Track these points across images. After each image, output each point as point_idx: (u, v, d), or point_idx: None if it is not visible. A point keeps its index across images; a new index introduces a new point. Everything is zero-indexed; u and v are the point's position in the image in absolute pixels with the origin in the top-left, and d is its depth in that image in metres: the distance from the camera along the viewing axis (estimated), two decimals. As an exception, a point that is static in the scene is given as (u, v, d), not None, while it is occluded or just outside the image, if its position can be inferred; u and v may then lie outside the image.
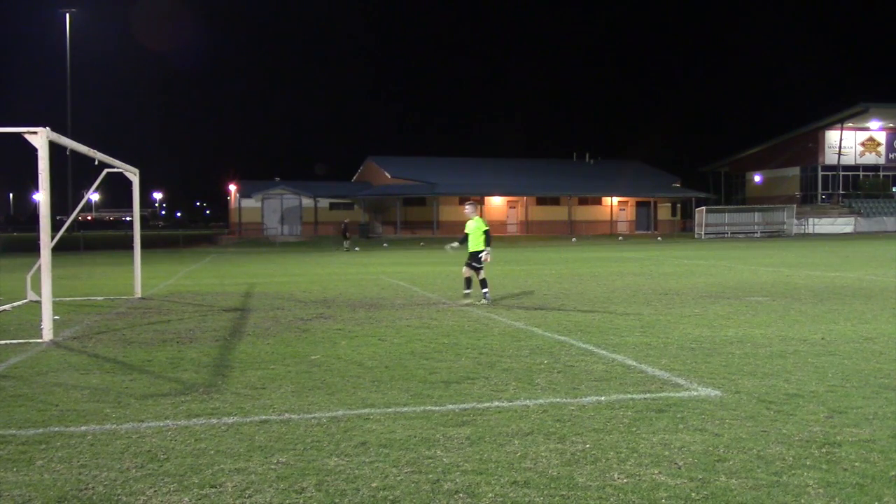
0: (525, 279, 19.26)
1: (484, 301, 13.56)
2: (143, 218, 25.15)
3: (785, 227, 58.39)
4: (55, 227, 13.12)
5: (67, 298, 15.51)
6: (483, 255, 13.69)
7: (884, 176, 68.08)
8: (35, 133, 10.26)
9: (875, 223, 60.75)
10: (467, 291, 13.86)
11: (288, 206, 67.16)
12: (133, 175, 16.40)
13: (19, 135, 10.31)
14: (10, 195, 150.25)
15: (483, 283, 13.76)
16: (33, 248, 16.90)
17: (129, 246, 20.58)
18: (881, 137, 67.75)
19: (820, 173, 66.75)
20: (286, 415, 6.05)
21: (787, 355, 8.29)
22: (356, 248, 41.32)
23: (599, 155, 79.00)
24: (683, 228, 68.99)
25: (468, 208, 14.20)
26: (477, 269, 13.78)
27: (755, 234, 57.65)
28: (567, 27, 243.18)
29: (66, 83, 62.90)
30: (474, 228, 13.86)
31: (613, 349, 8.80)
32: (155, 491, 4.43)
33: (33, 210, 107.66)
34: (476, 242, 13.76)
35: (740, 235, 57.17)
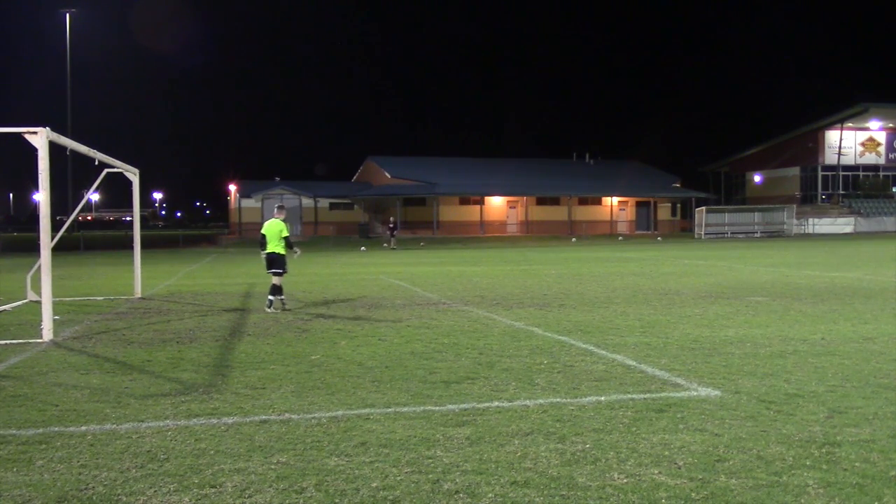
0: (525, 279, 19.26)
1: (267, 309, 12.85)
2: (143, 218, 25.15)
3: (785, 227, 58.37)
4: (55, 227, 13.11)
5: (67, 298, 15.50)
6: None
7: (884, 176, 68.06)
8: (35, 133, 10.26)
9: (875, 223, 60.72)
10: (281, 298, 13.13)
11: (288, 206, 66.94)
12: (133, 175, 16.40)
13: (19, 135, 10.31)
14: (10, 195, 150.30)
15: (273, 290, 13.07)
16: (33, 248, 16.90)
17: (129, 246, 20.58)
18: (881, 137, 67.72)
19: (820, 173, 66.72)
20: (286, 415, 6.05)
21: (787, 355, 8.29)
22: (392, 246, 41.86)
23: (599, 155, 79.04)
24: (683, 229, 68.99)
25: (276, 211, 13.66)
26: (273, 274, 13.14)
27: (755, 234, 57.63)
28: (567, 27, 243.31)
29: (66, 83, 62.91)
30: None
31: (613, 349, 8.80)
32: (155, 491, 4.43)
33: (33, 210, 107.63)
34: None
35: (740, 235, 57.15)
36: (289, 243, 13.32)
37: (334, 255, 35.47)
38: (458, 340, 9.56)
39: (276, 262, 13.11)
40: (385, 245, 41.64)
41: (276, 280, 13.11)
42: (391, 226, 43.93)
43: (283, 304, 13.19)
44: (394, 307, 13.35)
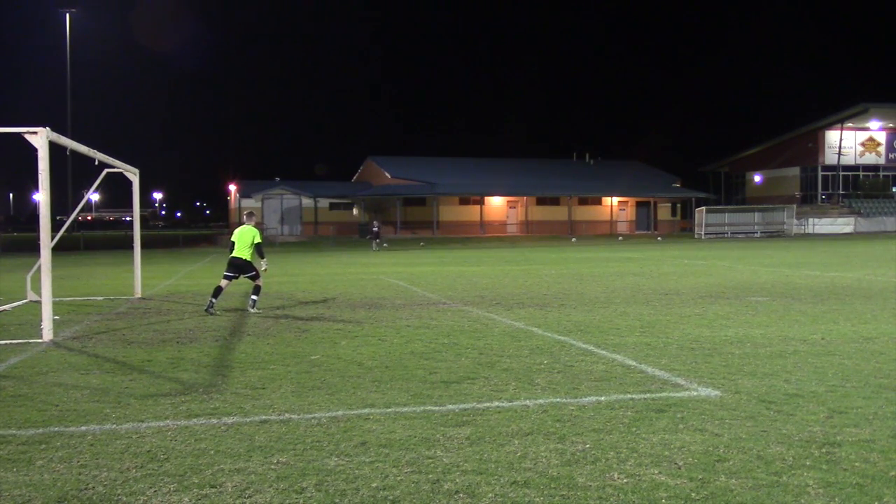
0: (525, 279, 19.26)
1: (250, 309, 12.87)
2: (143, 218, 25.14)
3: (785, 227, 58.36)
4: (55, 227, 13.12)
5: (67, 298, 15.50)
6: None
7: (884, 176, 68.06)
8: (35, 133, 10.26)
9: (875, 223, 60.71)
10: (212, 301, 12.88)
11: (288, 206, 67.16)
12: (133, 175, 16.40)
13: (19, 135, 10.32)
14: (10, 195, 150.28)
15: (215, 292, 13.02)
16: (33, 248, 16.91)
17: (129, 246, 20.58)
18: (881, 137, 67.70)
19: (820, 173, 66.71)
20: (286, 415, 6.05)
21: (787, 355, 8.29)
22: (385, 245, 41.87)
23: (599, 155, 79.16)
24: (683, 229, 68.99)
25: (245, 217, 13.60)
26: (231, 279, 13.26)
27: (755, 234, 57.63)
28: (567, 27, 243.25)
29: (66, 83, 62.92)
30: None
31: (613, 349, 8.80)
32: (155, 491, 4.43)
33: (33, 210, 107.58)
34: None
35: (740, 235, 57.14)
36: (259, 251, 13.14)
37: (334, 255, 35.47)
38: (458, 340, 9.56)
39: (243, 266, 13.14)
40: (375, 248, 40.88)
41: (224, 283, 13.11)
42: (375, 230, 42.15)
43: (212, 310, 12.69)
44: (394, 307, 13.35)
